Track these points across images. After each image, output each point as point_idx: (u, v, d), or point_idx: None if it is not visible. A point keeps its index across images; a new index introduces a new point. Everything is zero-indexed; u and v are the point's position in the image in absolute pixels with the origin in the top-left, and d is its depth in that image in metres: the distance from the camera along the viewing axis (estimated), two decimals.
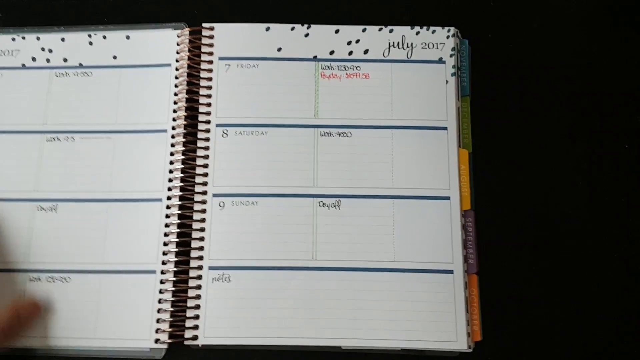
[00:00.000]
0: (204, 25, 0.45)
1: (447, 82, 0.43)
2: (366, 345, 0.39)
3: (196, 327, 0.39)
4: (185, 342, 0.39)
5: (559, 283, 0.41)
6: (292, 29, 0.45)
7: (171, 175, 0.42)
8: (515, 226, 0.42)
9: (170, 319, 0.39)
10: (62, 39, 0.45)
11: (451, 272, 0.40)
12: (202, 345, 0.39)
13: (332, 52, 0.44)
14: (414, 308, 0.39)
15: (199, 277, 0.40)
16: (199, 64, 0.44)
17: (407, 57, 0.44)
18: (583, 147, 0.44)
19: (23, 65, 0.45)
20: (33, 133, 0.43)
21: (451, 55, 0.44)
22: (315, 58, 0.44)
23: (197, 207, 0.41)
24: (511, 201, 0.43)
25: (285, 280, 0.40)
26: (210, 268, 0.40)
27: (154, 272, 0.40)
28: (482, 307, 0.40)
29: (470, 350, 0.39)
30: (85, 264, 0.40)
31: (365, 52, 0.44)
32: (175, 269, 0.40)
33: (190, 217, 0.41)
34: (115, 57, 0.45)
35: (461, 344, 0.39)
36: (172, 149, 0.42)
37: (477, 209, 0.42)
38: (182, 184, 0.42)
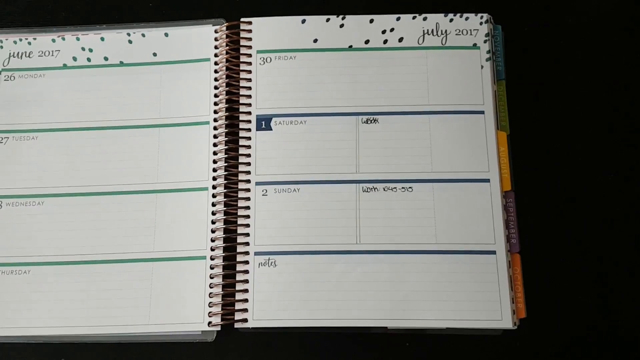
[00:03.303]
0: (242, 20, 0.46)
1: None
2: (412, 325, 0.40)
3: (245, 310, 0.40)
4: (236, 325, 0.40)
5: (601, 258, 0.42)
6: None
7: (215, 165, 0.43)
8: (555, 205, 0.43)
9: (221, 303, 0.40)
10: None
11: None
12: (252, 327, 0.40)
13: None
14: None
15: (246, 263, 0.41)
16: (238, 58, 0.45)
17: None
18: (619, 126, 0.45)
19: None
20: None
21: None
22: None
23: (241, 194, 0.42)
24: (551, 181, 0.43)
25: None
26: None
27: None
28: (525, 285, 0.40)
29: (515, 327, 0.39)
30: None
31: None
32: (223, 255, 0.41)
33: (236, 205, 0.42)
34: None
35: (506, 322, 0.39)
36: (215, 140, 0.44)
37: (517, 189, 0.42)
38: (226, 174, 0.43)
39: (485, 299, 0.40)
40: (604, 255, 0.42)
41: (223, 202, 0.42)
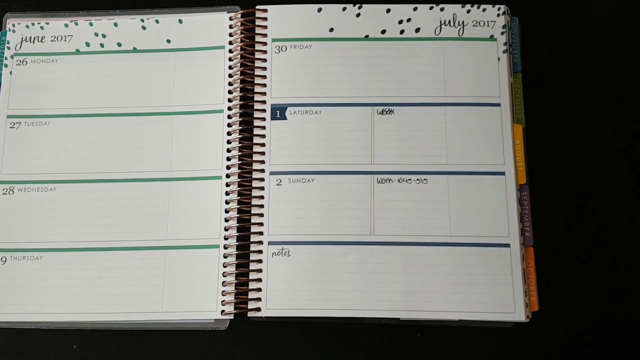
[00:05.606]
0: (257, 7, 0.46)
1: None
2: (424, 317, 0.40)
3: (259, 299, 0.40)
4: (249, 314, 0.40)
5: (614, 253, 0.42)
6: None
7: (229, 154, 0.43)
8: (569, 199, 0.43)
9: (234, 292, 0.40)
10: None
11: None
12: (266, 317, 0.40)
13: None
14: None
15: (260, 252, 0.41)
16: (253, 46, 0.45)
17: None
18: (635, 120, 0.45)
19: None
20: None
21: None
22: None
23: (255, 184, 0.42)
24: (565, 174, 0.43)
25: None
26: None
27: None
28: (538, 278, 0.40)
29: (528, 320, 0.39)
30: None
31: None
32: (237, 244, 0.41)
33: (249, 195, 0.42)
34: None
35: (519, 315, 0.39)
36: (229, 129, 0.44)
37: (532, 182, 0.42)
38: (239, 163, 0.43)
39: (499, 292, 0.40)
40: (617, 249, 0.42)
41: (237, 191, 0.42)
